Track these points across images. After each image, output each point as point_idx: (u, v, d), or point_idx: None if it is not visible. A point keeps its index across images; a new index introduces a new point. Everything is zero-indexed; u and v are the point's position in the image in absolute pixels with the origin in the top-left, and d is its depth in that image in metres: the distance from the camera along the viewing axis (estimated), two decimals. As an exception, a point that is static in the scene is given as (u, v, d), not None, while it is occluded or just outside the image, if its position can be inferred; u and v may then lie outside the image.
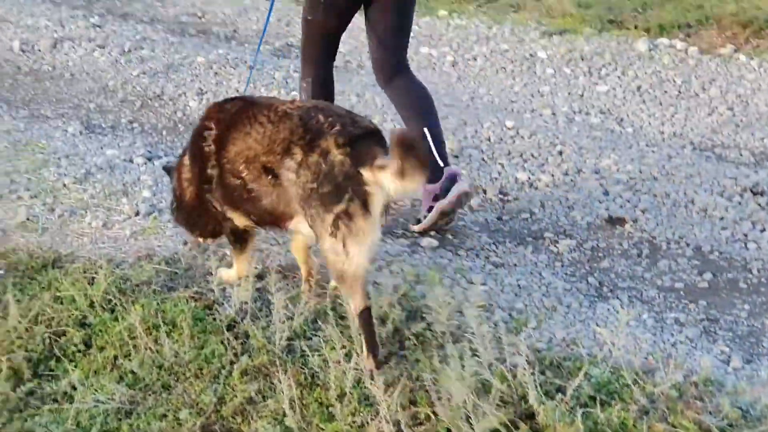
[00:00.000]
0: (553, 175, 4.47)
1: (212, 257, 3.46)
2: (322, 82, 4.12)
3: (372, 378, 2.79)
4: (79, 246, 3.71)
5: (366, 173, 2.83)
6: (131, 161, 4.53)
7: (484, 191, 4.34)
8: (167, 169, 3.60)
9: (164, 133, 5.01)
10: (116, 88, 5.61)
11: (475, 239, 3.92)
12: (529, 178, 4.45)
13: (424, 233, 3.90)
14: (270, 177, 3.03)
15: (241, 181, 3.10)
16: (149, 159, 4.56)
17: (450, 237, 3.94)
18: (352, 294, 2.91)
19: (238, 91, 5.50)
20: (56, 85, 5.64)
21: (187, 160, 3.35)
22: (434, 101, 4.04)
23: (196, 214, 3.35)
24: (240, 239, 3.33)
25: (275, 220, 3.14)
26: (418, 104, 4.05)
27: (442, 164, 3.89)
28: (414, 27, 6.36)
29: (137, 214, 3.97)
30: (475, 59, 6.16)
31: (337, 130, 2.93)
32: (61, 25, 6.58)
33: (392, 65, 4.08)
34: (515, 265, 3.72)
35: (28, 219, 3.90)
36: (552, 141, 4.85)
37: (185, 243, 3.71)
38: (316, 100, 3.94)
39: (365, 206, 2.86)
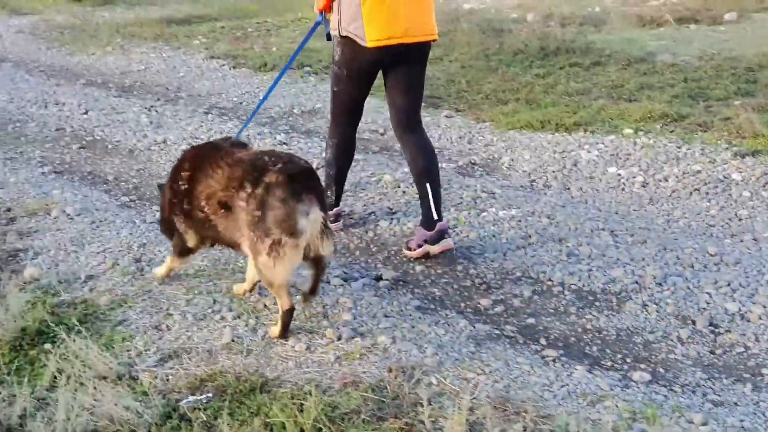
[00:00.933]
0: (765, 307, 4.25)
1: (421, 385, 3.39)
2: (345, 144, 5.04)
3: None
4: (285, 370, 3.69)
5: (305, 206, 3.66)
6: (328, 282, 4.53)
7: (693, 322, 4.16)
8: (160, 186, 4.39)
9: (357, 253, 5.02)
10: (307, 207, 5.67)
11: (689, 374, 3.75)
12: (740, 309, 4.25)
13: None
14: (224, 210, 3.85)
15: (204, 213, 3.94)
16: (345, 280, 4.56)
17: (662, 371, 3.77)
18: (279, 297, 3.85)
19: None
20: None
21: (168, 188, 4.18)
22: (438, 161, 4.94)
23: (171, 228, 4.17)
24: (184, 252, 4.21)
25: (232, 244, 3.98)
26: (423, 162, 4.84)
27: (436, 217, 4.80)
28: (599, 145, 6.29)
29: (339, 338, 3.94)
30: (666, 180, 6.01)
31: (278, 167, 3.71)
32: (250, 142, 6.74)
33: (405, 124, 4.87)
34: (736, 403, 3.51)
35: (232, 340, 3.92)
36: (759, 269, 4.64)
37: (390, 370, 3.66)
38: (336, 159, 5.00)
39: (293, 235, 3.65)
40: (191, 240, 4.13)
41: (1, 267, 4.71)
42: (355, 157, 6.35)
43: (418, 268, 4.81)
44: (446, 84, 8.12)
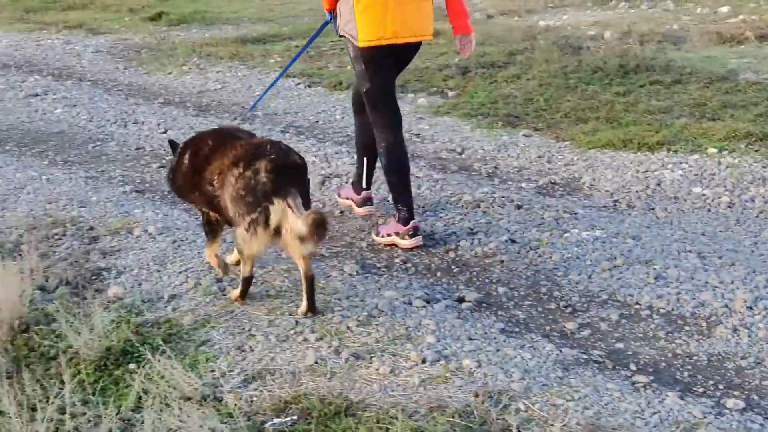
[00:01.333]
0: None
1: (509, 411, 3.32)
2: (397, 146, 5.23)
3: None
4: (369, 393, 3.65)
5: (277, 201, 4.09)
6: (410, 303, 4.49)
7: (789, 351, 4.04)
8: (172, 144, 4.79)
9: (438, 274, 4.96)
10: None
11: (786, 402, 3.62)
12: (838, 335, 4.11)
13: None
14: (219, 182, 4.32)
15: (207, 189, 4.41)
16: (428, 302, 4.51)
17: (756, 398, 3.65)
18: (246, 265, 4.37)
19: (508, 230, 5.42)
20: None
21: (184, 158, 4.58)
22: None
23: (180, 188, 4.66)
24: (211, 230, 4.65)
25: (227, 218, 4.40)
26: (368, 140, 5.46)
27: (366, 187, 5.60)
28: (683, 165, 6.17)
29: (423, 361, 3.89)
30: (752, 200, 5.86)
31: (271, 158, 4.17)
32: (327, 161, 6.73)
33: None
34: (837, 434, 3.39)
35: (316, 362, 3.89)
36: None
37: (476, 395, 3.59)
38: (396, 163, 5.19)
39: (266, 221, 4.11)
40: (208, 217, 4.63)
41: (85, 286, 4.74)
42: (434, 176, 6.34)
43: (501, 289, 4.74)
44: (524, 103, 8.04)
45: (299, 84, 9.03)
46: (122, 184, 6.33)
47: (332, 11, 5.19)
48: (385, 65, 5.14)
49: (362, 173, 5.64)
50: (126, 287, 4.70)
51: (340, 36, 5.20)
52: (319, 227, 3.99)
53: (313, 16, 12.79)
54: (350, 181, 5.92)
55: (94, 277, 4.87)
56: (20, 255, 4.96)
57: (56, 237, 5.37)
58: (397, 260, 5.14)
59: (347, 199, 5.80)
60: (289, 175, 4.19)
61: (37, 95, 8.79)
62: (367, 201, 5.72)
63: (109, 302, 4.53)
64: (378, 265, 5.07)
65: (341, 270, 4.93)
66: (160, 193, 6.20)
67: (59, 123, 7.89)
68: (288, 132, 7.53)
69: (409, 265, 5.08)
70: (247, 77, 9.45)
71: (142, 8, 13.94)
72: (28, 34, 12.33)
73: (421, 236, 5.25)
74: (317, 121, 7.91)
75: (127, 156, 7.00)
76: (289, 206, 4.07)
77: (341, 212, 5.84)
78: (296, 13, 13.13)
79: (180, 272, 4.86)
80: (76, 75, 9.87)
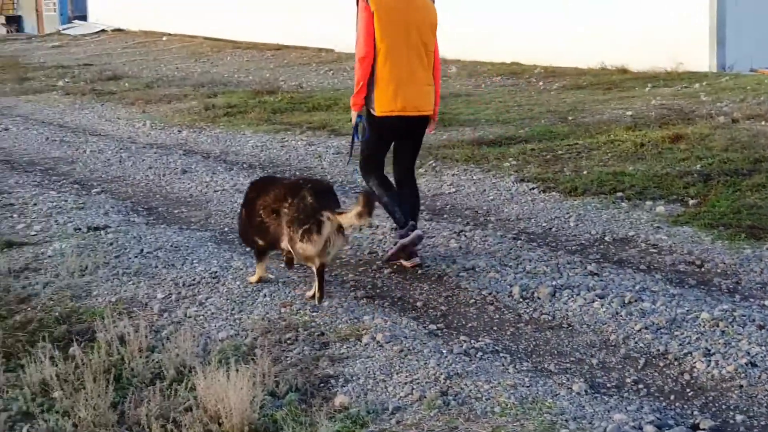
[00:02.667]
0: None
1: None
2: (383, 181, 6.95)
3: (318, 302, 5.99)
4: None
5: (326, 213, 5.79)
6: (641, 429, 4.29)
7: None
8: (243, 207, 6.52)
9: (672, 397, 4.74)
10: (618, 343, 5.46)
11: None
12: None
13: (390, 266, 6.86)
14: (275, 214, 6.04)
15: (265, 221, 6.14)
16: (659, 428, 4.30)
17: None
18: (313, 263, 5.94)
19: (749, 353, 5.12)
20: (557, 337, 5.60)
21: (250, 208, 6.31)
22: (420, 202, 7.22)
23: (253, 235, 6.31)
24: (260, 254, 6.40)
25: (275, 242, 6.16)
26: (411, 200, 6.98)
27: (413, 225, 6.75)
28: None
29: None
30: None
31: (309, 186, 5.97)
32: (559, 271, 6.62)
33: (404, 175, 7.10)
34: None
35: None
36: None
37: None
38: (384, 189, 6.84)
39: (318, 230, 5.79)
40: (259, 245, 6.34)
41: (313, 393, 4.82)
42: (671, 291, 6.10)
43: (739, 417, 4.48)
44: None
45: (533, 189, 8.98)
46: (354, 289, 6.44)
47: (359, 112, 6.81)
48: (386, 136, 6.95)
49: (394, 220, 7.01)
50: (352, 396, 4.74)
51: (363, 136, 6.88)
52: (370, 203, 5.75)
53: (550, 118, 12.78)
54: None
55: (322, 384, 4.94)
56: (253, 359, 5.11)
57: (288, 341, 5.51)
58: (628, 380, 4.96)
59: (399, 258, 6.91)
60: (326, 197, 6.01)
61: (279, 196, 9.14)
62: (414, 227, 6.78)
63: (335, 411, 4.58)
64: (608, 385, 4.90)
65: (569, 389, 4.80)
66: (390, 299, 6.27)
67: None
68: (519, 239, 7.47)
69: (641, 386, 4.89)
70: (482, 181, 9.49)
71: (385, 110, 14.32)
72: (274, 134, 12.89)
73: (418, 258, 6.89)
74: (550, 228, 7.83)
75: (360, 261, 7.13)
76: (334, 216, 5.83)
77: (570, 326, 5.71)
78: (533, 115, 13.14)
79: (405, 383, 4.86)
80: (316, 176, 10.21)
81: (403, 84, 6.64)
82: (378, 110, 6.67)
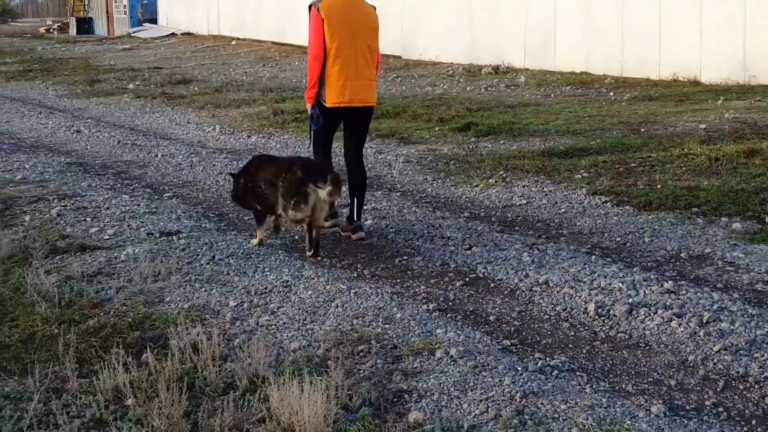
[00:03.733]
0: None
1: None
2: (325, 158, 8.11)
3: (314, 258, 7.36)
4: None
5: (310, 186, 7.06)
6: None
7: None
8: (232, 174, 8.14)
9: (753, 422, 4.63)
10: (696, 364, 5.34)
11: None
12: None
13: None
14: (273, 186, 7.34)
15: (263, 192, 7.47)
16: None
17: None
18: (305, 225, 7.29)
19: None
20: (633, 356, 5.50)
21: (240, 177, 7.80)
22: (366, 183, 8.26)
23: (251, 202, 7.72)
24: (259, 219, 7.73)
25: (272, 208, 7.47)
26: (357, 182, 8.17)
27: (356, 219, 8.06)
28: None
29: None
30: None
31: (300, 164, 7.31)
32: (635, 288, 6.50)
33: (353, 159, 8.27)
34: None
35: None
36: None
37: None
38: (323, 162, 7.89)
39: (306, 201, 7.08)
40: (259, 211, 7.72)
41: (387, 408, 4.78)
42: (749, 311, 5.97)
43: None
44: None
45: (606, 202, 8.86)
46: (426, 302, 6.40)
47: (313, 105, 7.93)
48: (333, 123, 8.10)
49: (353, 209, 8.10)
50: (427, 413, 4.69)
51: (316, 127, 8.05)
52: (337, 182, 7.11)
53: (622, 129, 12.62)
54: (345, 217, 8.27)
55: (395, 399, 4.90)
56: (326, 371, 5.08)
57: (361, 354, 5.48)
58: (707, 403, 4.86)
59: (345, 231, 8.12)
60: (314, 173, 7.21)
61: (348, 206, 9.11)
62: (357, 229, 8.02)
63: (409, 428, 4.54)
64: (687, 407, 4.81)
65: (648, 410, 4.71)
66: (462, 312, 6.22)
67: (369, 235, 8.13)
68: (593, 254, 7.36)
69: (720, 409, 4.78)
70: (553, 193, 9.39)
71: (451, 118, 14.26)
72: (343, 142, 12.88)
73: (363, 233, 8.08)
74: (624, 243, 7.71)
75: (432, 272, 7.08)
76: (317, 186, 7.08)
77: (647, 346, 5.61)
78: (604, 126, 12.99)
79: (480, 401, 4.80)
80: (387, 185, 10.19)
81: (350, 80, 7.74)
82: (329, 102, 7.77)
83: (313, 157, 8.05)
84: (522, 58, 21.36)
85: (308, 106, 8.00)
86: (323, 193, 7.04)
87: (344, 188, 7.89)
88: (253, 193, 7.60)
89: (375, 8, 8.14)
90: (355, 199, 8.09)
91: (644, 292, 6.44)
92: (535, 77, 19.42)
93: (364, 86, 7.85)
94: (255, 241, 7.75)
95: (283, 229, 7.96)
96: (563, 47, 20.41)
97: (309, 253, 7.41)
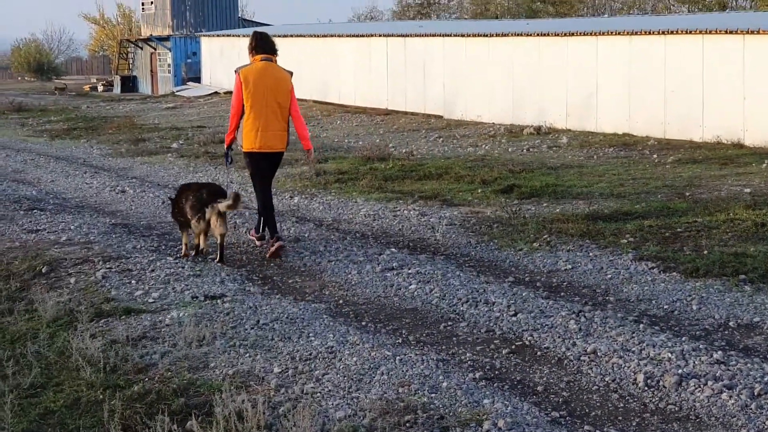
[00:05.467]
0: None
1: None
2: (264, 198, 10.00)
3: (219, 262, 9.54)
4: None
5: (210, 206, 9.27)
6: None
7: None
8: (170, 199, 10.07)
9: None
10: (751, 439, 5.23)
11: None
12: None
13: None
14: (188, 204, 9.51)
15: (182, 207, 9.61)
16: None
17: None
18: (200, 237, 9.62)
19: None
20: (684, 429, 5.40)
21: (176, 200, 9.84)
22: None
23: (177, 215, 9.81)
24: (183, 227, 9.78)
25: (188, 221, 9.56)
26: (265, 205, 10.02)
27: (267, 235, 10.09)
28: None
29: None
30: None
31: (206, 187, 9.65)
32: (684, 358, 6.40)
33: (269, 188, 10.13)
34: None
35: None
36: None
37: None
38: (262, 204, 10.08)
39: (204, 216, 9.30)
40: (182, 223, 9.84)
41: (434, 482, 4.70)
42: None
43: None
44: None
45: (653, 268, 8.77)
46: (472, 370, 6.33)
47: (229, 145, 10.03)
48: (256, 164, 10.02)
49: (260, 223, 10.23)
50: (474, 488, 4.62)
51: (230, 163, 10.37)
52: (237, 198, 9.22)
53: (667, 192, 12.54)
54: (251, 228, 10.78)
55: (443, 473, 4.83)
56: (373, 442, 5.03)
57: (408, 424, 5.42)
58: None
59: (252, 237, 10.44)
60: (216, 196, 9.43)
61: (392, 269, 9.10)
62: (261, 239, 10.23)
63: (457, 503, 4.46)
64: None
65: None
66: (509, 381, 6.14)
67: (413, 300, 8.09)
68: (641, 322, 7.26)
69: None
70: (598, 257, 9.31)
71: (494, 180, 14.25)
72: (386, 203, 12.90)
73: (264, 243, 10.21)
74: (672, 311, 7.61)
75: (477, 339, 7.03)
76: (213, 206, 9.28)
77: (697, 418, 5.49)
78: (649, 189, 12.92)
79: (529, 476, 4.72)
80: (430, 249, 10.16)
81: (261, 131, 9.72)
82: (244, 148, 9.85)
83: (254, 190, 10.45)
84: (564, 119, 21.38)
85: (225, 147, 10.10)
86: (222, 206, 9.21)
87: (243, 203, 10.33)
88: (178, 209, 9.69)
89: (292, 73, 10.03)
90: (262, 217, 10.14)
91: (693, 362, 6.33)
92: (577, 138, 19.40)
93: (273, 136, 9.79)
94: (183, 250, 9.89)
95: (203, 251, 9.75)
96: (605, 108, 20.42)
97: (216, 258, 9.54)
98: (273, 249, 9.76)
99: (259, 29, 17.25)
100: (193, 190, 9.66)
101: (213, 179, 15.93)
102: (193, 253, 9.73)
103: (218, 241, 9.48)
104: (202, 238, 9.66)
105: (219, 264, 9.38)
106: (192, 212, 9.42)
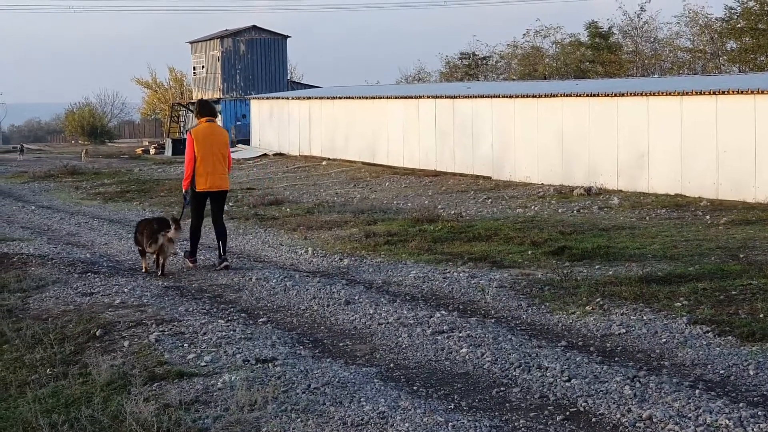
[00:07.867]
0: None
1: None
2: (196, 228, 13.30)
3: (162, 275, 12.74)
4: None
5: (161, 234, 12.37)
6: None
7: None
8: (135, 234, 13.48)
9: None
10: None
11: None
12: None
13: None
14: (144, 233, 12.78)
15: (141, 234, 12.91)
16: None
17: None
18: (161, 256, 12.72)
19: None
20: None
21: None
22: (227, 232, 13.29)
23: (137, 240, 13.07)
24: (142, 253, 13.07)
25: (146, 246, 12.73)
26: (219, 233, 13.18)
27: (223, 255, 13.13)
28: None
29: None
30: None
31: (156, 221, 12.96)
32: (742, 425, 6.31)
33: (216, 220, 13.18)
34: None
35: None
36: None
37: None
38: (193, 231, 13.39)
39: (156, 242, 12.46)
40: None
41: None
42: None
43: None
44: None
45: (708, 332, 8.65)
46: (526, 437, 6.26)
47: (186, 189, 13.15)
48: (203, 202, 13.22)
49: (219, 249, 13.13)
50: None
51: (187, 204, 13.43)
52: (178, 225, 12.35)
53: (720, 255, 12.41)
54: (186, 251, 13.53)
55: None
56: None
57: (461, 493, 5.35)
58: None
59: (217, 267, 13.11)
60: (165, 226, 12.44)
61: (443, 332, 9.06)
62: (223, 261, 13.11)
63: None
64: None
65: None
66: (563, 450, 6.06)
67: (464, 364, 8.04)
68: (697, 387, 7.15)
69: None
70: (652, 321, 9.20)
71: (544, 242, 14.18)
72: (435, 265, 12.87)
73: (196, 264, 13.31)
74: (728, 376, 7.49)
75: (531, 405, 6.95)
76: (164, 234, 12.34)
77: None
78: (702, 251, 12.80)
79: None
80: (480, 311, 10.11)
81: (210, 174, 12.92)
82: (198, 188, 12.96)
83: (190, 221, 13.37)
84: (615, 179, 21.30)
85: (183, 190, 13.48)
86: (171, 233, 12.34)
87: (183, 229, 12.72)
88: (137, 237, 12.96)
89: (228, 130, 14.40)
90: (220, 242, 13.11)
91: (752, 429, 6.22)
92: (628, 199, 19.30)
93: (219, 178, 13.07)
94: (144, 266, 13.11)
95: (154, 265, 12.85)
96: (657, 168, 20.32)
97: (159, 272, 12.69)
98: (184, 262, 13.47)
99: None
100: (148, 223, 12.90)
101: (263, 241, 16.04)
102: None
103: (161, 261, 12.72)
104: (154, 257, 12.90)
105: (161, 275, 12.65)
106: (148, 240, 12.57)
